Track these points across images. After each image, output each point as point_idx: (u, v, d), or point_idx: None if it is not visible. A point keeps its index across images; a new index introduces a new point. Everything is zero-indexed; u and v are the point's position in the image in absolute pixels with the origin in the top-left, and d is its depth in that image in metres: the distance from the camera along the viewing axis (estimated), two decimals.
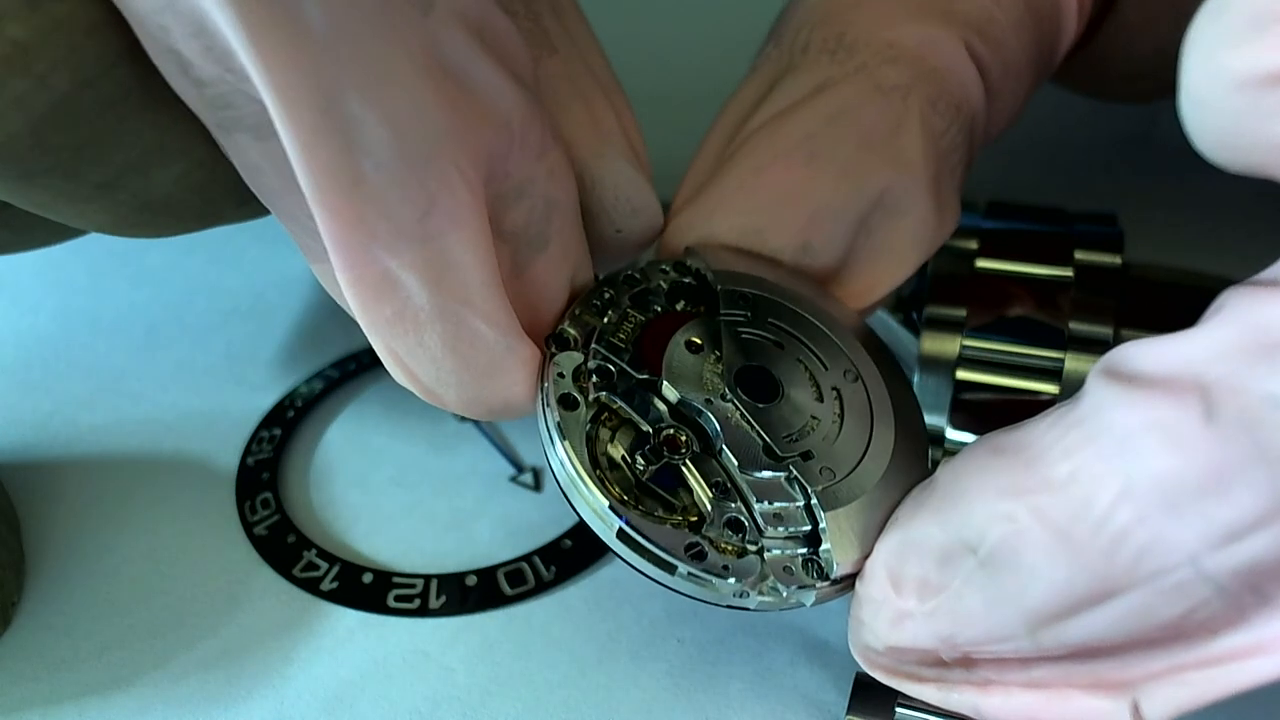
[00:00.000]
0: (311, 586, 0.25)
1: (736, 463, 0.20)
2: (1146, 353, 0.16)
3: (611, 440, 0.20)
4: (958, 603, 0.17)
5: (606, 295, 0.22)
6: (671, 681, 0.23)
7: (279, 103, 0.16)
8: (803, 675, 0.23)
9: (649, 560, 0.19)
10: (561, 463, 0.20)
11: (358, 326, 0.19)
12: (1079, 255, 0.26)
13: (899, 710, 0.21)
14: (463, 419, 0.29)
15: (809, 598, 0.19)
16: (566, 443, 0.20)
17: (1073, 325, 0.24)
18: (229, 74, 0.17)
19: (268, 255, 0.34)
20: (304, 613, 0.25)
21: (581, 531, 0.26)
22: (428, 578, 0.25)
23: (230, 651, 0.24)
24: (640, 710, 0.22)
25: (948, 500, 0.18)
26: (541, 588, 0.25)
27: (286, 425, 0.29)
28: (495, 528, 0.26)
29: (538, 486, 0.27)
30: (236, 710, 0.23)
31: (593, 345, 0.21)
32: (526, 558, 0.26)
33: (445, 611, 0.24)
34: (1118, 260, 0.26)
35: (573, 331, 0.21)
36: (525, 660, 0.23)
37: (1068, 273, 0.26)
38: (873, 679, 0.21)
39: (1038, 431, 0.17)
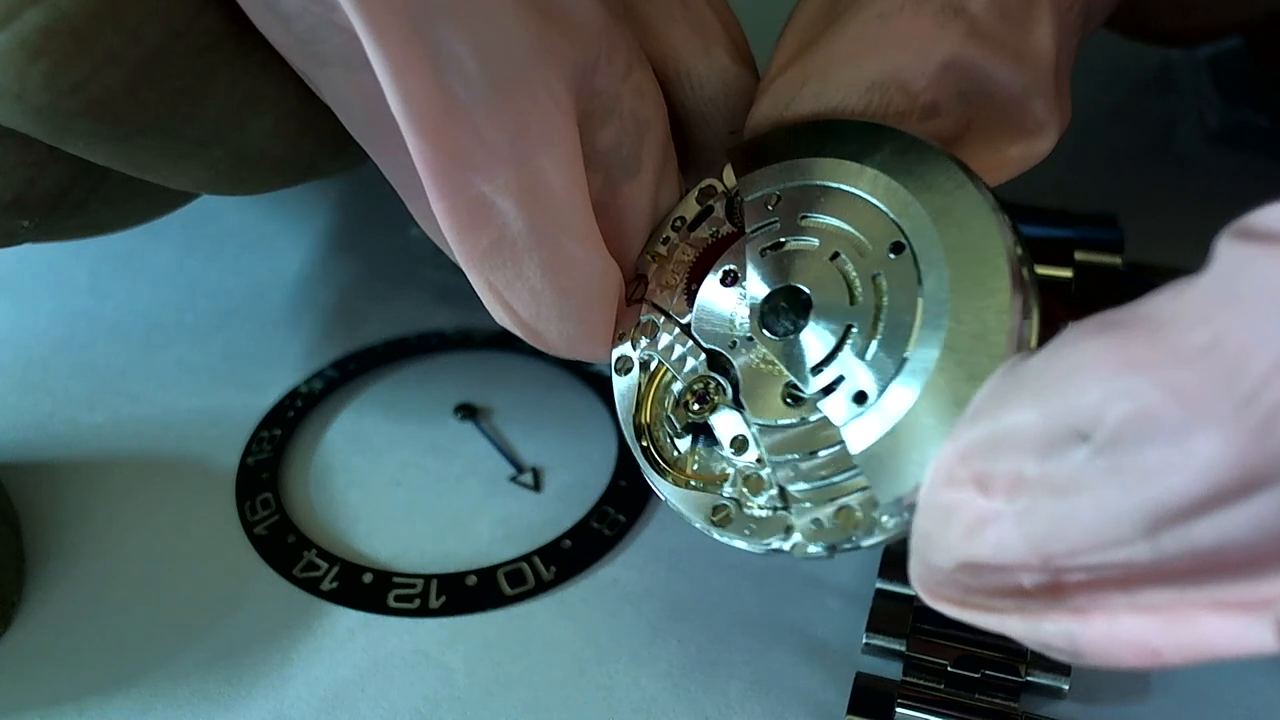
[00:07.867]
0: (311, 586, 0.25)
1: (752, 416, 0.19)
2: None
3: (665, 395, 0.20)
4: (1061, 499, 0.14)
5: (676, 223, 0.21)
6: (671, 681, 0.23)
7: (368, 28, 0.16)
8: (803, 675, 0.23)
9: (687, 521, 0.19)
10: (622, 428, 0.20)
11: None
12: (1079, 256, 0.26)
13: (899, 710, 0.21)
14: (464, 418, 0.29)
15: (865, 541, 0.17)
16: (620, 410, 0.20)
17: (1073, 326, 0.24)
18: (315, 4, 0.17)
19: (268, 255, 0.34)
20: (304, 613, 0.25)
21: (581, 531, 0.26)
22: (428, 578, 0.25)
23: (230, 651, 0.24)
24: (640, 710, 0.22)
25: (1049, 382, 0.15)
26: (541, 588, 0.25)
27: (286, 425, 0.29)
28: (495, 528, 0.26)
29: (538, 486, 0.27)
30: (236, 710, 0.23)
31: (644, 298, 0.20)
32: (526, 558, 0.26)
33: (445, 611, 0.24)
34: (1118, 261, 0.26)
35: (641, 275, 0.21)
36: (525, 660, 0.23)
37: (1067, 273, 0.26)
38: (872, 680, 0.21)
39: (1158, 302, 0.14)
